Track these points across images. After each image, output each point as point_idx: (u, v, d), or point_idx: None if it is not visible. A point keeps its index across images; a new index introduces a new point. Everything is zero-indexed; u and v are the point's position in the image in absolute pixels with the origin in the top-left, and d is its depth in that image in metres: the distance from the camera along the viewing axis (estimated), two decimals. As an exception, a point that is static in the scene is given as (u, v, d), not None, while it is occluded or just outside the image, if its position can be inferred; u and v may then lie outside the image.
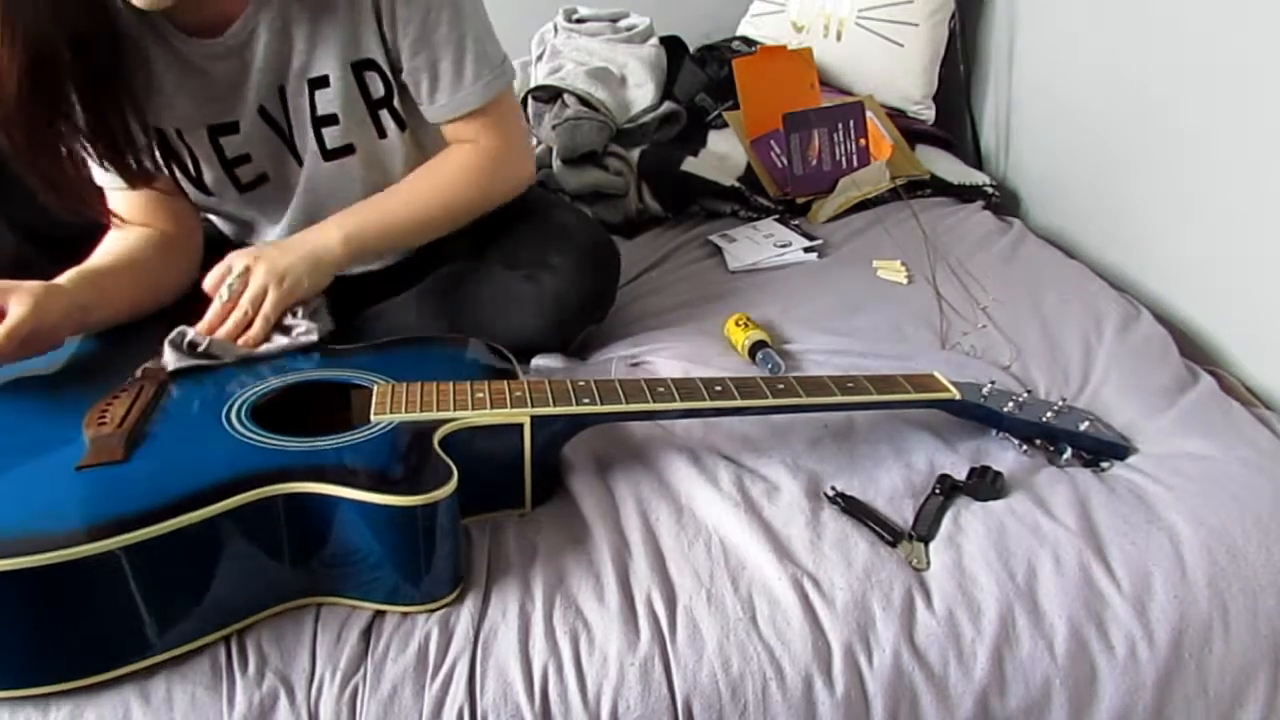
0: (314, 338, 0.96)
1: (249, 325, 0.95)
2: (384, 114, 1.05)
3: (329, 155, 1.05)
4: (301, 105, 1.02)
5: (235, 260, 0.97)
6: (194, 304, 0.99)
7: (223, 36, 0.97)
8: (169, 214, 1.07)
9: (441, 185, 1.07)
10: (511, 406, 0.83)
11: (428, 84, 1.03)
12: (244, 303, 0.95)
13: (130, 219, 1.05)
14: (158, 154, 1.02)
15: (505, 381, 0.87)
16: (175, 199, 1.07)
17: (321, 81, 1.01)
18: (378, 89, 1.03)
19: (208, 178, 1.05)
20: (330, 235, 1.00)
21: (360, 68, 1.01)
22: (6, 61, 0.84)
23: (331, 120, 1.03)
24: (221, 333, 0.94)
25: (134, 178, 0.99)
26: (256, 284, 0.95)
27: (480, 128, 1.07)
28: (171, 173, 1.05)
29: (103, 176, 1.02)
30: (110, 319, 0.97)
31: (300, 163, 1.07)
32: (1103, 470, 0.93)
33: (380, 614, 0.77)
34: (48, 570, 0.65)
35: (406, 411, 0.82)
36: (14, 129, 0.88)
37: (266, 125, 1.04)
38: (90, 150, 0.95)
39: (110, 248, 1.03)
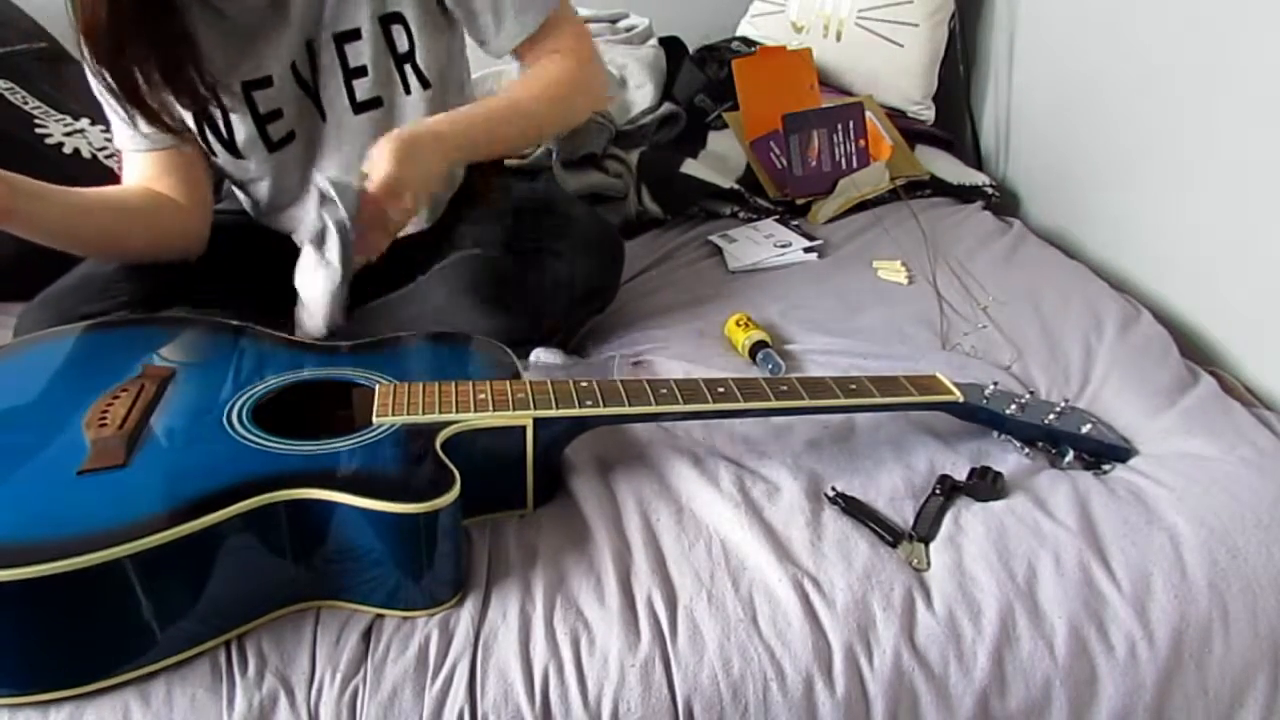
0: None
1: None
2: (408, 69, 1.09)
3: (359, 108, 1.09)
4: (329, 61, 1.07)
5: (402, 184, 0.94)
6: (196, 287, 1.01)
7: None
8: (181, 184, 1.09)
9: (544, 83, 1.08)
10: (514, 409, 0.83)
11: (491, 16, 1.08)
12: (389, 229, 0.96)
13: (143, 182, 1.08)
14: (190, 118, 1.05)
15: (507, 382, 0.87)
16: (192, 169, 1.10)
17: (353, 35, 1.06)
18: (403, 43, 1.08)
19: (240, 135, 1.08)
20: (447, 144, 1.00)
21: (387, 21, 1.06)
22: None
23: (362, 72, 1.08)
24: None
25: (166, 126, 1.02)
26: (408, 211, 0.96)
27: (560, 36, 1.10)
28: (204, 137, 1.08)
29: (122, 138, 1.06)
30: (62, 231, 0.98)
31: (324, 119, 1.10)
32: (1104, 473, 0.93)
33: (380, 616, 0.77)
34: (49, 579, 0.65)
35: (408, 413, 0.82)
36: (101, 48, 0.95)
37: (295, 81, 1.08)
38: (151, 81, 0.98)
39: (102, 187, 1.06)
